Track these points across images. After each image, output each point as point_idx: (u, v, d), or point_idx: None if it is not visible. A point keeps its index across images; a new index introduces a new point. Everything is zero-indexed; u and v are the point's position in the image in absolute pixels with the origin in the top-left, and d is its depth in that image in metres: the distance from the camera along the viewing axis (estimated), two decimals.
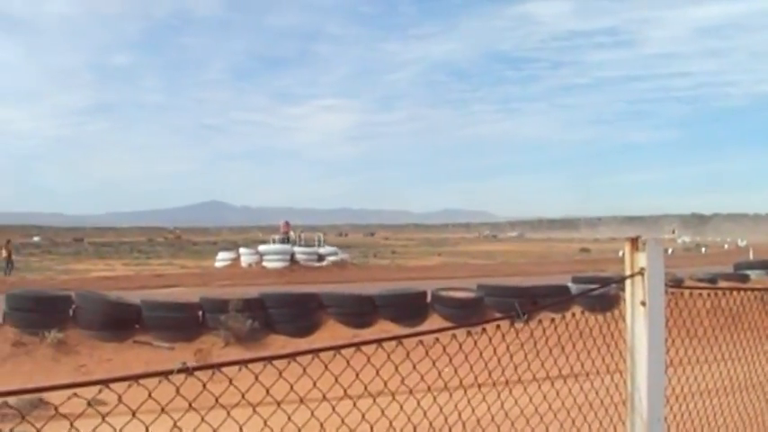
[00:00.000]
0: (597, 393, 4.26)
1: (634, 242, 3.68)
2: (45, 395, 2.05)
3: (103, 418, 2.30)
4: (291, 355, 2.65)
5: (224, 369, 2.43)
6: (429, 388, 3.61)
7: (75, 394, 2.17)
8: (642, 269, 3.60)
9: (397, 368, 3.25)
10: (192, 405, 2.50)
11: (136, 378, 2.23)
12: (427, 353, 3.37)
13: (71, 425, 2.30)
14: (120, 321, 15.91)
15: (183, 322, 16.25)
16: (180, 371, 2.21)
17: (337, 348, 2.76)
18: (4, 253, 44.41)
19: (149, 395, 2.31)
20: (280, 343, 16.22)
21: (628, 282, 3.66)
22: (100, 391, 2.17)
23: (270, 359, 2.56)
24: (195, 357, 14.77)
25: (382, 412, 3.43)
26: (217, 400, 2.57)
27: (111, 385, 2.20)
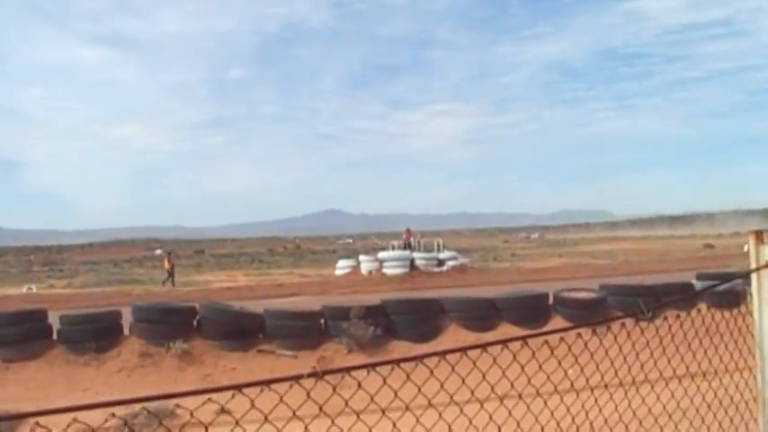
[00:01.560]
0: (726, 391, 4.16)
1: (759, 235, 3.54)
2: (179, 401, 2.12)
3: (237, 423, 2.40)
4: (418, 358, 2.67)
5: (353, 373, 2.50)
6: (556, 389, 3.60)
7: (209, 400, 2.29)
8: None
9: (523, 368, 3.24)
10: (323, 409, 2.60)
11: (268, 383, 2.31)
12: (552, 352, 3.35)
13: (206, 430, 2.43)
14: (244, 331, 16.23)
15: (306, 330, 16.43)
16: (310, 375, 2.27)
17: (463, 350, 2.78)
18: (167, 264, 46.40)
19: (281, 399, 2.41)
20: (402, 349, 16.22)
21: (753, 276, 3.52)
22: (233, 397, 2.29)
23: (397, 361, 2.61)
24: (318, 365, 14.98)
25: (509, 413, 3.44)
26: (347, 403, 2.64)
27: (245, 391, 2.31)
